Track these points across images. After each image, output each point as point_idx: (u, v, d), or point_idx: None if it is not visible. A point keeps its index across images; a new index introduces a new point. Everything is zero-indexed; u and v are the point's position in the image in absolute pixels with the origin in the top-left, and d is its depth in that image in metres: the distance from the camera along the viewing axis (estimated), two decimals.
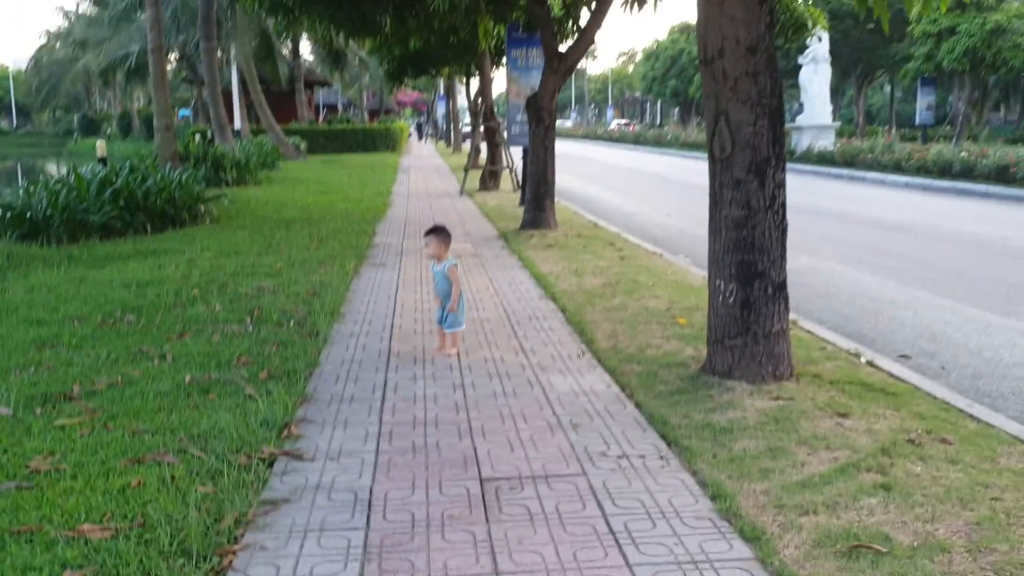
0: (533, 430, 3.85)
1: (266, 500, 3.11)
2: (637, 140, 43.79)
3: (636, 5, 10.32)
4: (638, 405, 4.16)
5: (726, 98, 4.30)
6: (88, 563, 2.58)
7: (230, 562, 2.67)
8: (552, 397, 4.31)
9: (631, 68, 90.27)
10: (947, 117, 37.61)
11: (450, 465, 3.47)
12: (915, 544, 2.74)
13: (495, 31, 13.29)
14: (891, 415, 3.95)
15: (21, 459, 3.41)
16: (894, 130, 36.77)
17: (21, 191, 10.54)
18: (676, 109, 71.65)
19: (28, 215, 9.76)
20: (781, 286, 4.41)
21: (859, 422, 3.85)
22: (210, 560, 2.65)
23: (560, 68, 10.49)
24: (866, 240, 10.75)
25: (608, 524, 2.95)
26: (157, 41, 15.58)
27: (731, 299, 4.38)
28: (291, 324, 5.77)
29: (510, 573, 2.63)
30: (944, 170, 17.66)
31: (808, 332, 5.67)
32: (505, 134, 15.59)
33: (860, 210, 13.99)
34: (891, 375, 4.70)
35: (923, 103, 34.79)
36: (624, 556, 2.73)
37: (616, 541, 2.83)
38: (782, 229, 4.39)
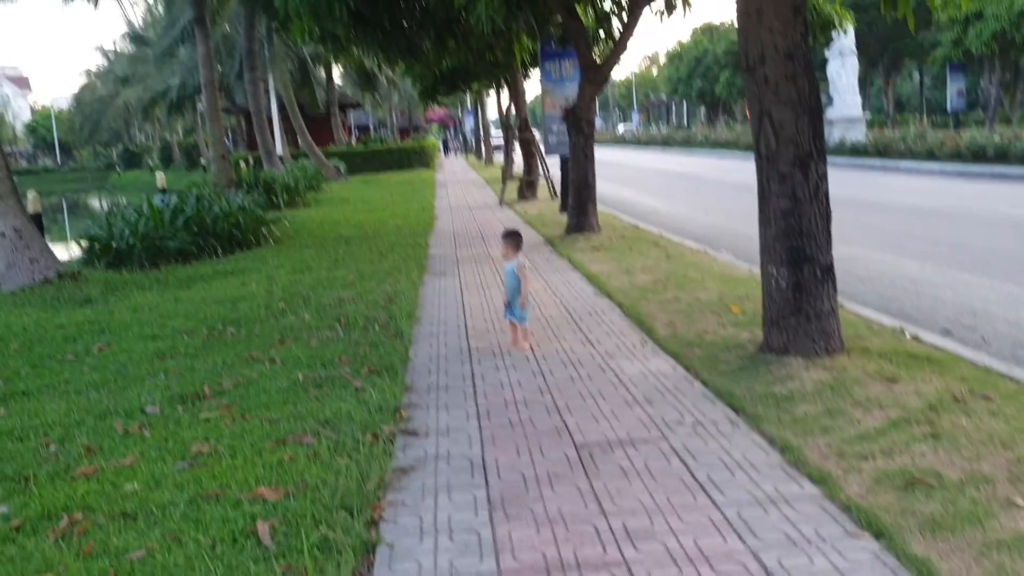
0: (612, 405, 4.35)
1: (397, 468, 3.65)
2: (666, 142, 44.11)
3: (666, 12, 10.82)
4: (704, 382, 4.64)
5: (769, 100, 4.78)
6: (271, 515, 3.14)
7: (380, 515, 3.21)
8: (624, 379, 4.81)
9: (655, 71, 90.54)
10: (978, 102, 37.40)
11: (546, 435, 3.99)
12: (963, 478, 3.20)
13: (529, 46, 13.88)
14: (936, 379, 4.39)
15: (183, 445, 4.00)
16: (925, 118, 36.66)
17: (104, 223, 11.33)
18: (702, 109, 71.82)
19: (113, 244, 10.53)
20: (828, 269, 4.86)
21: (907, 386, 4.29)
22: (364, 513, 3.19)
23: (596, 78, 11.02)
24: (903, 227, 11.08)
25: (693, 475, 3.44)
26: (209, 76, 16.44)
27: (783, 283, 4.85)
28: (376, 328, 6.35)
29: (615, 514, 3.13)
30: (978, 155, 17.83)
31: (854, 314, 6.10)
32: (542, 145, 16.14)
33: (896, 199, 14.28)
34: (935, 347, 5.12)
35: (953, 89, 34.75)
36: (711, 498, 3.22)
37: (702, 488, 3.32)
38: (826, 216, 4.85)
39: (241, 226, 12.24)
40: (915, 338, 5.34)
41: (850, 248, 9.57)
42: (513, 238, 5.67)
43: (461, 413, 4.38)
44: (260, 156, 23.23)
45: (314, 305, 7.33)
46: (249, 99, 21.96)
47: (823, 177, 4.83)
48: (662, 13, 10.68)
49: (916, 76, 51.52)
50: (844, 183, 17.61)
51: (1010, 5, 29.13)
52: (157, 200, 12.51)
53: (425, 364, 5.38)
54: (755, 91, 4.84)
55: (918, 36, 37.63)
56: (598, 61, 11.09)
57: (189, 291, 8.44)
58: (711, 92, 59.98)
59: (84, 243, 11.17)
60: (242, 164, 25.40)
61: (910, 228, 10.98)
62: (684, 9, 10.91)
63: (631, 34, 10.92)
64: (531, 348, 5.63)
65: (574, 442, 3.88)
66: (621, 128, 70.91)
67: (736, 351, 5.16)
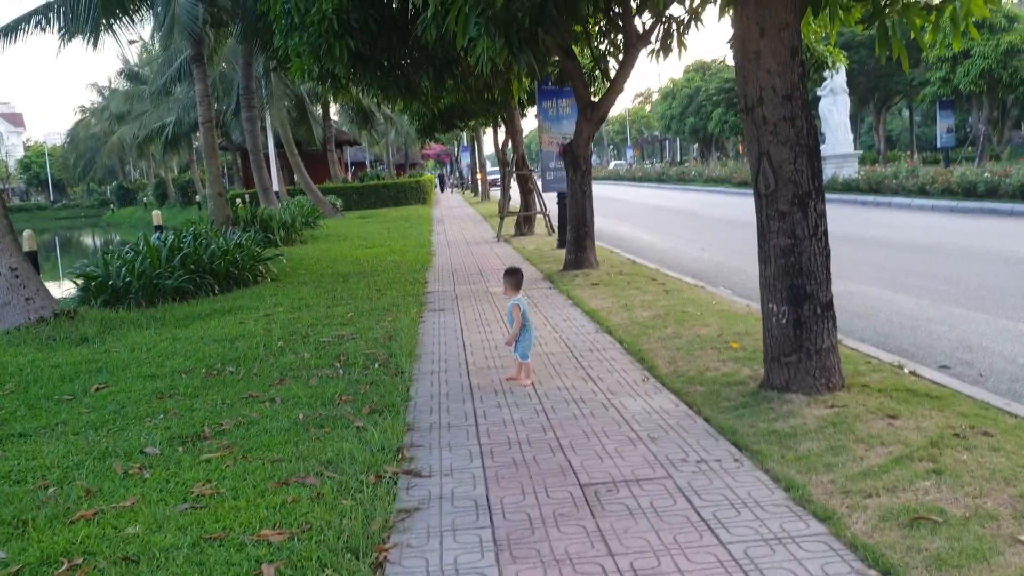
0: (616, 444, 4.35)
1: (401, 509, 3.63)
2: (661, 178, 44.51)
3: (662, 54, 11.00)
4: (707, 419, 4.65)
5: (767, 140, 4.86)
6: (276, 558, 3.12)
7: (386, 557, 3.19)
8: (627, 416, 4.81)
9: (648, 108, 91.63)
10: (967, 138, 37.92)
11: (550, 475, 3.98)
12: (967, 515, 3.20)
13: (527, 85, 14.07)
14: (936, 415, 4.40)
15: (184, 487, 3.98)
16: (915, 154, 37.12)
17: (99, 261, 11.34)
18: (695, 145, 72.57)
19: (110, 283, 10.53)
20: (828, 305, 4.90)
21: (908, 422, 4.31)
22: (370, 555, 3.17)
23: (593, 117, 11.17)
24: (898, 263, 11.17)
25: (698, 513, 3.43)
26: (208, 115, 16.59)
27: (784, 320, 4.88)
28: (376, 366, 6.34)
29: (622, 554, 3.12)
30: (969, 191, 18.04)
31: (852, 349, 6.13)
32: (539, 181, 16.27)
33: (890, 235, 14.40)
34: (933, 382, 5.14)
35: (943, 126, 35.19)
36: (717, 537, 3.21)
37: (708, 526, 3.31)
38: (826, 254, 4.90)
39: (238, 264, 12.26)
40: (914, 373, 5.37)
41: (846, 284, 9.63)
42: (512, 276, 5.71)
43: (464, 452, 4.37)
44: (256, 193, 23.36)
45: (313, 343, 7.32)
46: (247, 137, 22.13)
47: (822, 215, 4.89)
48: (657, 53, 10.86)
49: (906, 113, 52.26)
50: (838, 219, 17.74)
51: (996, 44, 29.70)
52: (154, 238, 12.55)
53: (427, 402, 5.37)
54: (754, 132, 4.92)
55: (908, 74, 38.26)
56: (595, 100, 11.24)
57: (187, 330, 8.43)
58: (704, 129, 60.61)
59: (80, 281, 11.16)
60: (239, 201, 25.54)
61: (905, 264, 11.07)
62: (679, 51, 11.10)
63: (627, 75, 11.09)
64: (533, 385, 5.63)
65: (579, 481, 3.87)
66: (612, 164, 72.24)
67: (738, 388, 5.17)
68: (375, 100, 14.44)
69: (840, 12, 5.68)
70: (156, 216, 17.57)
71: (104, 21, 14.41)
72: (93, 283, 10.62)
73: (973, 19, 5.34)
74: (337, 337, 7.50)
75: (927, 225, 15.68)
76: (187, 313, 9.52)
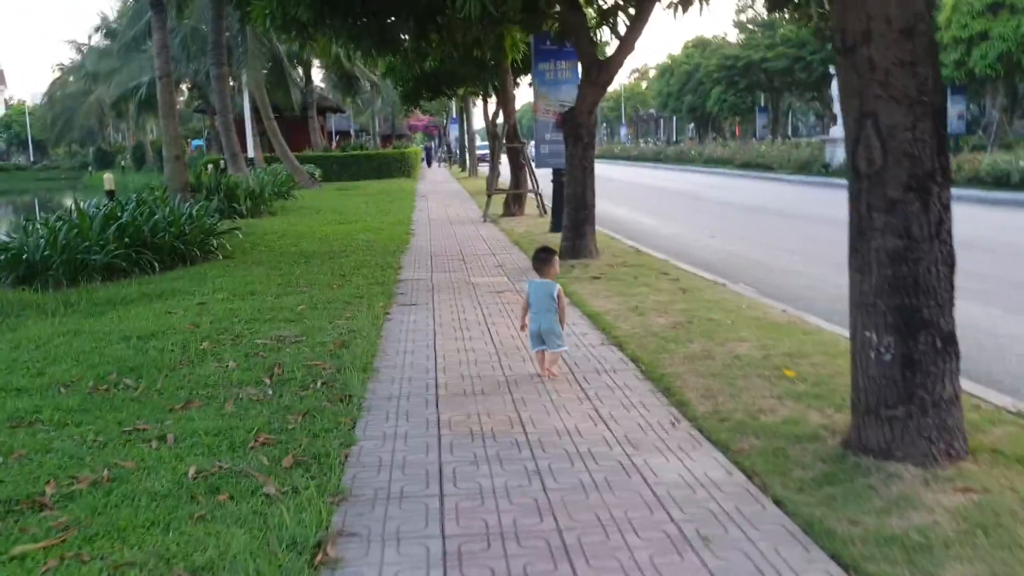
0: (650, 547, 2.86)
1: None
2: (658, 157, 42.93)
3: (681, 7, 9.42)
4: (779, 502, 3.17)
5: (873, 95, 3.34)
6: None
7: None
8: (659, 491, 3.33)
9: (644, 85, 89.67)
10: (972, 125, 36.43)
11: None
12: None
13: (522, 43, 12.40)
14: None
15: None
16: None
17: (20, 231, 9.72)
18: (692, 125, 70.91)
19: (24, 256, 8.92)
20: (950, 338, 3.42)
21: None
22: None
23: (599, 80, 9.60)
24: None
25: None
26: (165, 67, 14.85)
27: (887, 356, 3.39)
28: (318, 385, 4.83)
29: None
30: (1000, 181, 16.59)
31: None
32: (533, 154, 14.67)
33: None
34: None
35: (954, 112, 33.72)
36: None
37: None
38: (950, 264, 3.41)
39: (186, 238, 10.67)
40: None
41: None
42: (548, 256, 5.02)
43: (418, 553, 2.87)
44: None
45: (246, 346, 5.79)
46: (215, 96, 20.38)
47: (947, 207, 3.40)
48: (676, 7, 9.27)
49: None
50: None
51: (1017, 26, 28.15)
52: (90, 207, 10.91)
53: (375, 449, 3.87)
54: (854, 82, 3.40)
55: None
56: (601, 60, 9.66)
57: (98, 320, 6.85)
58: (702, 107, 58.98)
59: None
60: (209, 167, 23.81)
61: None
62: (701, 6, 9.52)
63: (640, 32, 9.50)
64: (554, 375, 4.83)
65: None
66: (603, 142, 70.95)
67: (810, 445, 3.69)
68: (349, 56, 12.78)
69: None
70: (108, 179, 15.82)
71: None
72: (4, 256, 9.00)
73: None
74: (278, 339, 5.97)
75: (960, 217, 14.19)
76: (109, 296, 7.94)
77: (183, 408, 4.46)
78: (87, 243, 9.40)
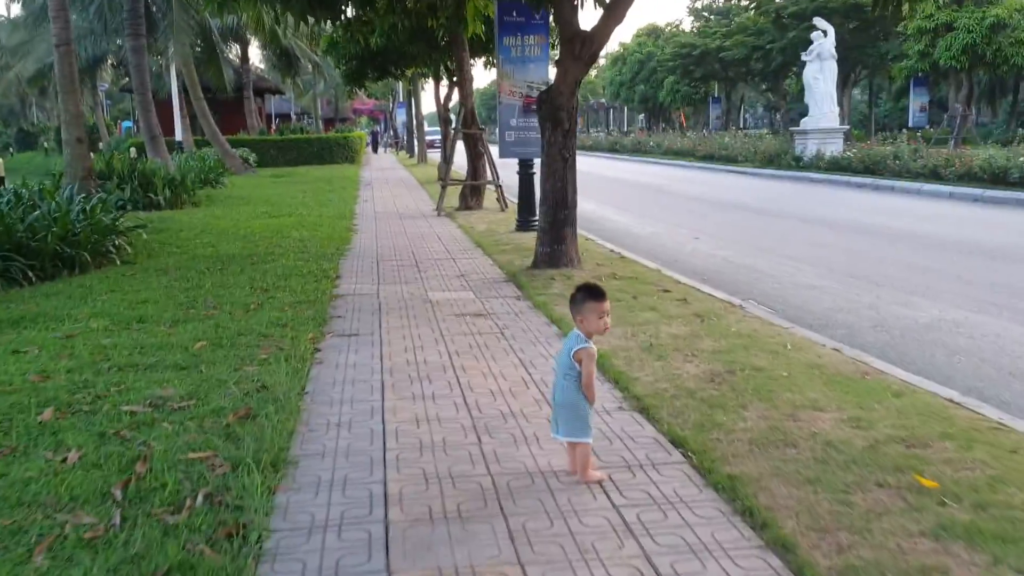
0: None
1: None
2: (614, 147, 41.51)
3: None
4: None
5: None
6: None
7: None
8: None
9: (594, 73, 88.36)
10: (932, 117, 35.92)
11: None
12: None
13: (487, 10, 10.61)
14: None
15: None
16: (875, 134, 35.00)
17: None
18: (643, 116, 69.79)
19: None
20: None
21: None
22: None
23: (583, 53, 7.91)
24: (975, 273, 8.30)
25: None
26: (63, 35, 12.65)
27: None
28: (198, 501, 3.07)
29: None
30: (997, 178, 15.48)
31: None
32: (495, 147, 12.93)
33: (932, 229, 11.58)
34: None
35: (916, 104, 33.21)
36: None
37: None
38: None
39: (76, 239, 8.66)
40: None
41: (938, 306, 6.76)
42: (591, 297, 3.27)
43: None
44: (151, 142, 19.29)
45: (103, 419, 3.96)
46: (132, 72, 18.08)
47: None
48: None
49: (863, 90, 50.48)
50: (837, 204, 15.05)
51: (982, 17, 27.46)
52: None
53: None
54: None
55: (880, 48, 36.05)
56: (586, 30, 7.97)
57: None
58: (654, 98, 57.81)
59: None
60: (132, 151, 21.47)
61: (985, 274, 8.23)
62: None
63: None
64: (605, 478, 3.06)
65: None
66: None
67: None
68: (278, 20, 10.83)
69: None
70: None
71: None
72: None
73: None
74: (154, 404, 4.15)
75: (959, 216, 13.02)
76: None
77: None
78: None
